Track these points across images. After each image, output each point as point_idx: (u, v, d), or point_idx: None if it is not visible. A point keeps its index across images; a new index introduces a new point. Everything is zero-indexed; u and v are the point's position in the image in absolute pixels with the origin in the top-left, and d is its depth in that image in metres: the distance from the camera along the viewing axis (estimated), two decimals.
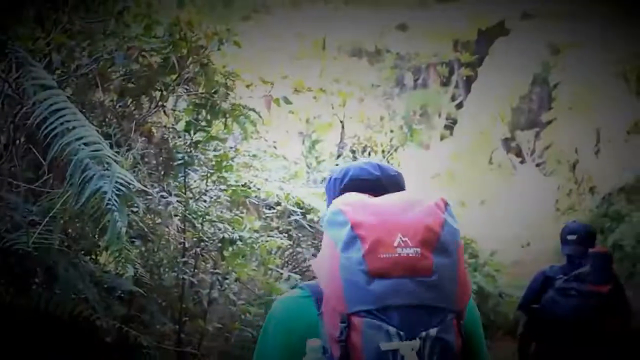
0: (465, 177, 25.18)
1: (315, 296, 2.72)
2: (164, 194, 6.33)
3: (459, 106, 27.29)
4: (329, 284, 2.52)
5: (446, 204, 2.58)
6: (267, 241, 6.89)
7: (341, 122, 12.15)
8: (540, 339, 6.98)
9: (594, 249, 6.63)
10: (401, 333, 2.36)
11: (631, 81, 23.09)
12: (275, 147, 10.02)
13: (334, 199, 2.75)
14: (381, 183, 2.92)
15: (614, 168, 19.98)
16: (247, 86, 7.06)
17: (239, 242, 6.61)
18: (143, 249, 6.57)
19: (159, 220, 6.64)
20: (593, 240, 6.95)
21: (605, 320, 6.12)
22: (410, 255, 2.41)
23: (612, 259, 6.48)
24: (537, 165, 28.44)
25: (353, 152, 11.69)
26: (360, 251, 2.43)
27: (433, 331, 2.37)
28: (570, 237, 6.98)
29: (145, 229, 6.41)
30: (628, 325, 6.21)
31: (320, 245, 2.75)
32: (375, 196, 2.68)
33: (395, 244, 2.42)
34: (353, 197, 2.66)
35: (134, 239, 6.41)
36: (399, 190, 2.84)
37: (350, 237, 2.47)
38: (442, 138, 30.02)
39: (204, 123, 6.58)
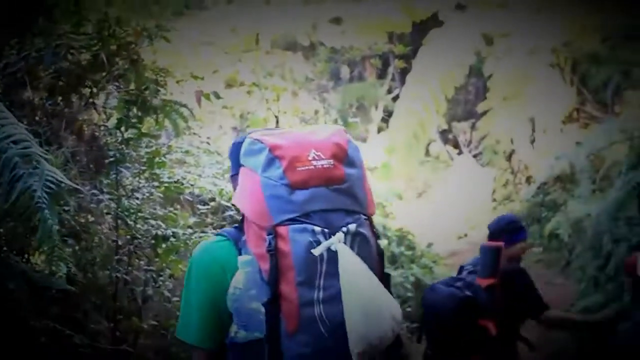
0: (402, 170, 25.27)
1: (233, 239, 3.05)
2: (95, 191, 6.30)
3: (395, 98, 27.35)
4: (253, 205, 2.84)
5: (345, 130, 3.07)
6: (200, 237, 6.87)
7: (276, 116, 12.15)
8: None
9: (487, 243, 6.70)
10: (326, 231, 2.73)
11: (565, 71, 23.32)
12: (208, 143, 9.99)
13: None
14: None
15: (549, 157, 20.17)
16: (178, 82, 7.03)
17: (172, 239, 6.59)
18: (76, 247, 6.52)
19: (92, 219, 6.61)
20: (514, 233, 6.85)
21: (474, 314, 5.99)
22: (325, 166, 2.82)
23: (500, 255, 6.35)
24: (474, 156, 28.62)
25: None
26: (280, 168, 2.80)
27: (352, 226, 2.77)
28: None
29: (78, 227, 6.38)
30: (500, 327, 6.08)
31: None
32: None
33: (310, 158, 2.82)
34: (264, 131, 3.02)
35: (66, 238, 6.36)
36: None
37: (269, 158, 2.83)
38: (379, 131, 30.09)
39: (135, 120, 6.54)
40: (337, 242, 2.71)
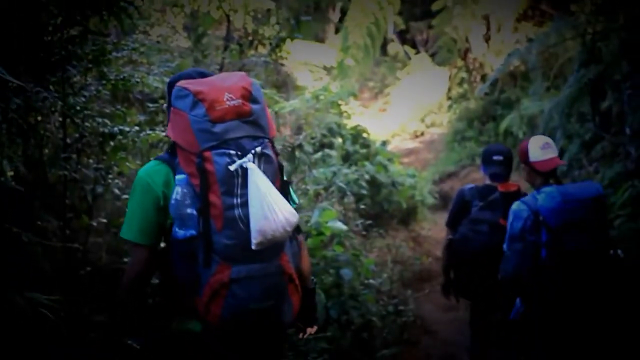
0: (358, 69, 25.20)
1: (168, 163, 4.08)
2: (40, 89, 6.23)
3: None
4: (185, 136, 3.83)
5: (248, 76, 4.06)
6: (148, 134, 6.86)
7: (227, 15, 12.04)
8: (457, 268, 7.84)
9: (504, 186, 7.33)
10: (239, 153, 3.76)
11: None
12: (159, 42, 9.92)
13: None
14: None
15: (503, 55, 20.18)
16: None
17: (120, 137, 6.58)
18: (26, 147, 6.50)
19: (40, 118, 6.56)
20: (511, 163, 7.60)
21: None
22: (236, 104, 3.84)
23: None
24: (431, 55, 28.60)
25: (240, 45, 11.62)
26: (203, 108, 3.79)
27: (258, 149, 3.81)
28: (496, 158, 7.62)
29: (25, 127, 6.34)
30: None
31: None
32: None
33: (225, 99, 3.83)
34: (189, 80, 4.02)
35: (14, 137, 6.34)
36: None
37: (193, 101, 3.81)
38: (336, 31, 29.97)
39: (79, 17, 6.47)
40: (247, 161, 3.75)
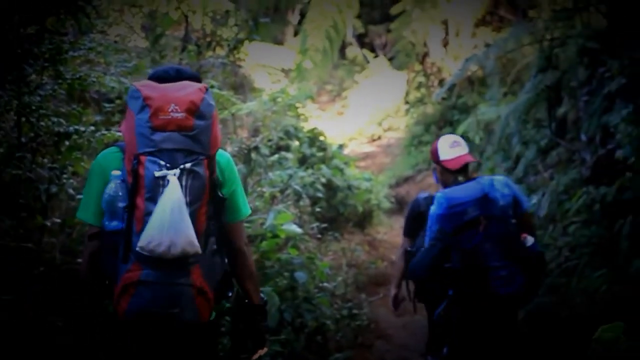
0: (316, 72, 25.20)
1: (123, 151, 4.25)
2: None
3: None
4: (128, 136, 4.05)
5: (207, 89, 4.15)
6: (103, 134, 6.81)
7: (185, 15, 12.00)
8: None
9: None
10: (168, 165, 3.94)
11: None
12: (116, 42, 9.87)
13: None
14: (177, 79, 4.35)
15: (462, 60, 20.28)
16: None
17: (75, 136, 6.53)
18: None
19: None
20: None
21: None
22: (179, 117, 3.97)
23: None
24: (390, 59, 28.65)
25: (198, 46, 11.57)
26: (147, 114, 3.96)
27: (188, 165, 3.96)
28: None
29: None
30: None
31: None
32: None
33: (169, 110, 3.97)
34: (148, 82, 4.22)
35: None
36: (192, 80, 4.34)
37: (142, 105, 3.98)
38: (295, 34, 29.97)
39: (36, 16, 6.42)
40: (171, 175, 3.91)
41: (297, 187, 12.50)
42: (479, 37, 22.84)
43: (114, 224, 4.13)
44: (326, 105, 31.07)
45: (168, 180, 3.90)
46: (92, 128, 6.77)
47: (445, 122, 22.83)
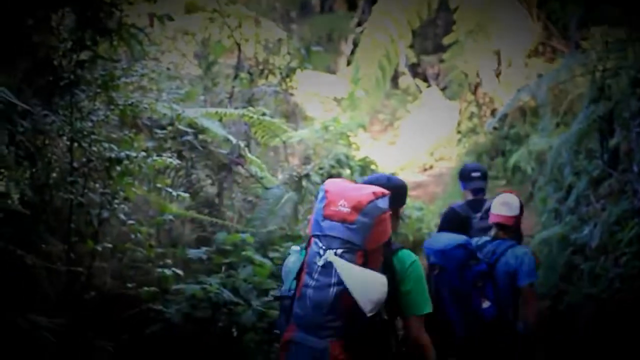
0: (368, 101, 25.18)
1: None
2: (48, 113, 6.26)
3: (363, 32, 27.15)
4: (311, 219, 4.62)
5: (383, 195, 4.50)
6: (154, 160, 6.86)
7: (237, 44, 12.07)
8: None
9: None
10: (323, 248, 4.44)
11: (531, 5, 23.20)
12: (169, 69, 9.95)
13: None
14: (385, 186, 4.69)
15: (514, 91, 20.16)
16: (130, 3, 6.92)
17: (126, 162, 6.58)
18: (33, 170, 6.52)
19: (47, 141, 6.58)
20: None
21: None
22: (344, 212, 4.43)
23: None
24: (442, 89, 28.59)
25: (250, 74, 11.64)
26: (322, 204, 4.52)
27: (339, 251, 4.38)
28: (474, 175, 8.64)
29: (32, 149, 6.36)
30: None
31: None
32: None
33: (339, 204, 4.47)
34: (336, 180, 4.76)
35: (21, 160, 6.36)
36: (389, 188, 4.65)
37: (322, 197, 4.56)
38: (348, 63, 30.01)
39: (89, 42, 6.51)
40: (329, 255, 4.38)
41: None
42: (531, 67, 22.65)
43: (286, 290, 4.75)
44: (378, 135, 30.98)
45: (328, 261, 4.41)
46: (144, 154, 6.82)
47: (496, 152, 22.65)
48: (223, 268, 8.14)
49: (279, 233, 9.82)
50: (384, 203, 4.51)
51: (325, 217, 4.49)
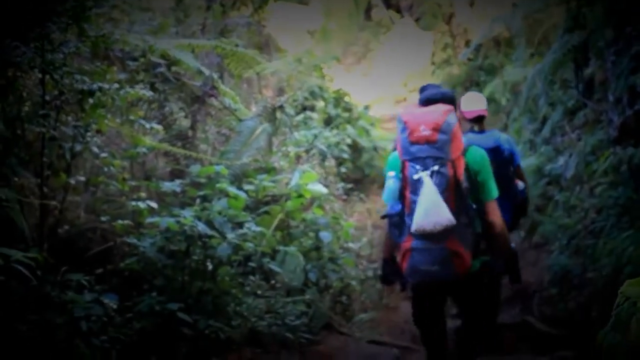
0: (341, 34, 25.05)
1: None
2: (18, 44, 6.15)
3: None
4: (398, 148, 5.51)
5: (450, 111, 5.52)
6: (127, 92, 6.78)
7: None
8: None
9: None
10: (421, 168, 5.40)
11: None
12: (141, 1, 9.84)
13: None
14: (441, 100, 5.78)
15: (488, 21, 20.07)
16: None
17: (98, 94, 6.49)
18: (4, 103, 6.43)
19: (19, 74, 6.48)
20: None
21: None
22: (427, 134, 5.38)
23: None
24: (416, 20, 28.45)
25: (222, 5, 11.52)
26: (406, 133, 5.43)
27: (435, 167, 5.37)
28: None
29: (3, 82, 6.27)
30: None
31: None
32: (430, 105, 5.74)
33: (421, 129, 5.40)
34: (408, 109, 5.71)
35: None
36: (447, 102, 5.74)
37: (403, 127, 5.47)
38: None
39: None
40: (424, 175, 5.36)
41: (323, 147, 12.47)
42: None
43: (397, 208, 5.73)
44: (351, 67, 30.91)
45: (422, 179, 5.36)
46: (116, 86, 6.72)
47: (471, 83, 22.62)
48: (197, 201, 8.13)
49: (253, 165, 9.79)
50: (452, 118, 5.52)
51: (412, 143, 5.43)
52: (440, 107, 5.66)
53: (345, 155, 14.39)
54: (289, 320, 7.87)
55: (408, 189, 5.54)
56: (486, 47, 21.58)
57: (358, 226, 12.39)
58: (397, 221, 5.80)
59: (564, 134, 12.78)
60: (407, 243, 5.64)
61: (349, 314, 9.48)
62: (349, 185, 13.27)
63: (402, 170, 5.55)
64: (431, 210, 5.37)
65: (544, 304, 10.07)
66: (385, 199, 5.88)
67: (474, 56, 21.93)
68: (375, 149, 16.22)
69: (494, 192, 5.89)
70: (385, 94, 27.52)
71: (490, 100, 19.81)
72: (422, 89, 6.16)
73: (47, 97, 6.43)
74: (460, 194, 5.63)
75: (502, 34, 20.29)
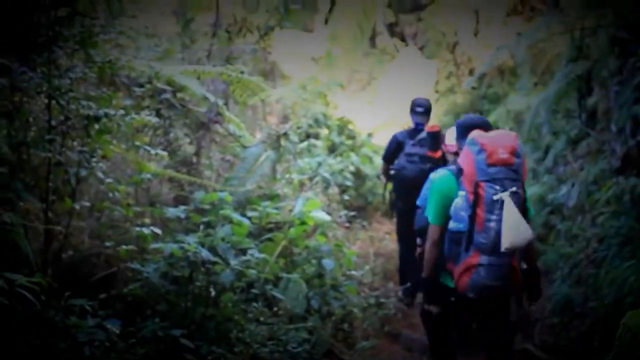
0: (346, 60, 25.07)
1: (455, 176, 6.12)
2: (25, 69, 6.19)
3: None
4: (469, 169, 5.78)
5: (518, 136, 5.89)
6: (133, 118, 6.81)
7: (216, 1, 11.99)
8: (398, 192, 10.76)
9: (429, 127, 10.11)
10: (500, 189, 5.66)
11: None
12: (147, 27, 9.88)
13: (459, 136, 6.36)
14: (488, 127, 6.17)
15: (492, 50, 20.11)
16: None
17: (104, 119, 6.53)
18: (10, 128, 6.45)
19: (25, 99, 6.51)
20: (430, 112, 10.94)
21: None
22: (505, 157, 5.68)
23: (440, 134, 9.36)
24: (420, 48, 28.50)
25: (228, 32, 11.58)
26: (483, 155, 5.69)
27: (514, 189, 5.67)
28: (418, 110, 10.79)
29: (10, 107, 6.30)
30: None
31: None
32: (486, 131, 5.99)
33: (499, 153, 5.68)
34: (479, 133, 5.89)
35: None
36: (490, 128, 6.13)
37: (479, 149, 5.73)
38: (326, 22, 29.87)
39: None
40: (505, 195, 5.64)
41: (326, 175, 12.49)
42: (510, 26, 22.59)
43: (457, 224, 6.02)
44: (356, 94, 30.92)
45: (502, 199, 5.67)
46: (122, 112, 6.77)
47: (475, 112, 22.58)
48: (201, 227, 8.13)
49: (257, 192, 9.82)
50: (520, 142, 5.91)
51: (490, 165, 5.71)
52: (510, 132, 6.10)
53: (349, 183, 14.39)
54: (291, 347, 7.86)
55: (482, 208, 5.77)
56: (490, 75, 21.60)
57: (360, 254, 12.35)
58: (460, 238, 6.02)
59: (566, 163, 12.80)
60: (474, 259, 5.92)
61: (350, 341, 9.44)
62: (352, 213, 13.23)
63: (476, 190, 5.77)
64: (519, 228, 5.66)
65: (545, 332, 10.04)
66: (453, 216, 6.07)
67: (477, 85, 21.96)
68: (378, 177, 16.21)
69: (531, 210, 6.53)
70: (389, 121, 27.55)
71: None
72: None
73: (53, 122, 6.47)
74: (524, 213, 5.92)
75: (506, 62, 20.32)
